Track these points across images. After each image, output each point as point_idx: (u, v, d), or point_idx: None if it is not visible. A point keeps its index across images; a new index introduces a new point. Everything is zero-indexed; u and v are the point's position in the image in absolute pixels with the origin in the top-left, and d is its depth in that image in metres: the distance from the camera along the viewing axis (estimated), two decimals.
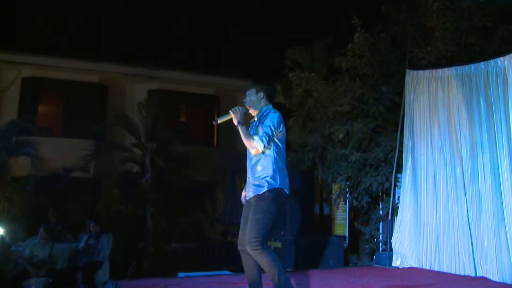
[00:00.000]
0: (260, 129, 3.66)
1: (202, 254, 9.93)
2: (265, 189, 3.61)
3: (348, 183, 8.52)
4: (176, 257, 9.67)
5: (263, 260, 3.52)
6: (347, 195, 8.71)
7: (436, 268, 6.24)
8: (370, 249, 8.37)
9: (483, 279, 5.65)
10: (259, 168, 3.68)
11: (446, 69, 6.58)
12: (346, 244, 8.97)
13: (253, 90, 3.91)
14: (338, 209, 9.39)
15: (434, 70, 6.76)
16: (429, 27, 7.66)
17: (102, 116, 12.58)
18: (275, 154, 3.70)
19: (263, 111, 3.84)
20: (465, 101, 6.21)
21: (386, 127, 8.16)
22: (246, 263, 3.74)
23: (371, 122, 8.10)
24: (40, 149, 10.79)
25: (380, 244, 7.93)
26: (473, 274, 5.77)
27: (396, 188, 7.29)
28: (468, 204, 6.00)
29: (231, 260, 9.27)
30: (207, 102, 14.46)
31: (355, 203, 8.47)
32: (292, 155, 10.22)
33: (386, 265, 6.66)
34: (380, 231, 8.07)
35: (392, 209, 7.19)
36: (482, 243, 5.79)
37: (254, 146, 3.63)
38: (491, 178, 5.78)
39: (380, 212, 8.21)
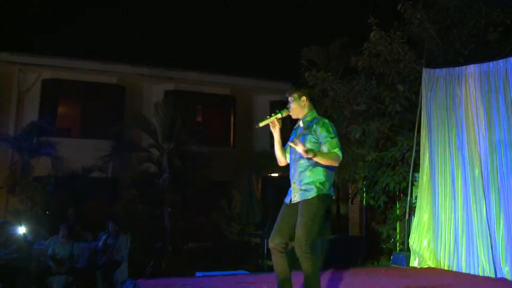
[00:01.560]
0: (327, 143, 3.69)
1: (219, 254, 9.99)
2: (314, 194, 3.67)
3: (365, 182, 8.48)
4: (194, 257, 9.73)
5: (309, 264, 3.57)
6: (364, 195, 8.68)
7: (454, 269, 6.19)
8: (387, 249, 8.33)
9: (504, 280, 5.59)
10: (308, 173, 3.73)
11: (463, 67, 6.51)
12: (363, 243, 8.96)
13: (295, 96, 3.95)
14: (355, 208, 9.36)
15: (451, 68, 6.68)
16: (446, 24, 7.59)
17: (119, 117, 12.71)
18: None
19: (311, 118, 3.90)
20: (483, 99, 6.13)
21: (403, 126, 8.11)
22: (278, 261, 3.79)
23: (387, 121, 8.05)
24: (60, 149, 10.99)
25: (398, 244, 7.89)
26: (492, 275, 5.70)
27: (413, 187, 7.24)
28: (487, 203, 5.94)
29: (248, 260, 9.33)
30: (223, 102, 14.52)
31: (372, 202, 8.44)
32: None
33: (403, 265, 6.62)
34: (397, 231, 8.03)
35: (409, 209, 7.15)
36: (502, 244, 5.73)
37: (338, 160, 3.68)
38: (510, 178, 5.72)
39: (397, 212, 8.17)
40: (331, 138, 3.70)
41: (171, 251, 9.90)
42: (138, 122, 11.44)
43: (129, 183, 11.14)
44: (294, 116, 3.99)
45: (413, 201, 7.21)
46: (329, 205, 3.81)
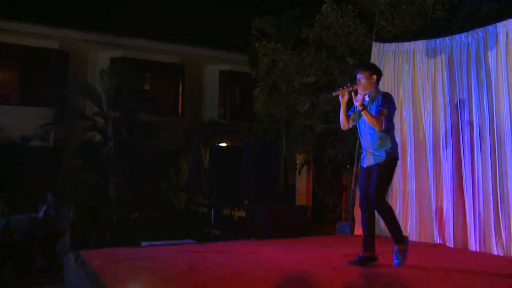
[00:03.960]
0: (380, 110, 4.26)
1: (166, 224, 9.89)
2: (385, 158, 4.32)
3: (312, 153, 8.59)
4: (140, 227, 9.59)
5: (385, 213, 4.38)
6: (311, 165, 8.80)
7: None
8: (333, 218, 8.54)
9: (442, 245, 5.87)
10: (379, 142, 4.34)
11: (412, 43, 6.65)
12: (309, 213, 9.13)
13: (366, 73, 4.44)
14: (302, 179, 9.50)
15: (400, 43, 6.81)
16: (396, 0, 7.67)
17: (62, 84, 12.12)
18: (391, 129, 4.42)
19: (378, 93, 4.41)
20: (430, 74, 6.31)
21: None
22: (367, 219, 4.51)
23: None
24: None
25: (343, 214, 8.09)
26: (433, 241, 5.97)
27: None
28: (430, 173, 6.17)
29: (195, 229, 9.31)
30: (172, 71, 14.19)
31: (319, 173, 8.58)
32: (257, 125, 10.22)
33: (348, 234, 6.80)
34: (343, 201, 8.23)
35: (355, 180, 7.31)
36: (441, 213, 5.99)
37: (380, 125, 4.24)
38: (452, 148, 5.95)
39: (343, 182, 8.36)
40: (384, 107, 4.27)
41: (116, 222, 9.69)
42: (82, 90, 10.96)
43: (72, 153, 10.73)
44: (361, 91, 4.43)
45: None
46: (395, 165, 4.47)
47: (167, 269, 4.13)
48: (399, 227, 4.45)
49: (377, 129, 4.27)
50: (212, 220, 8.76)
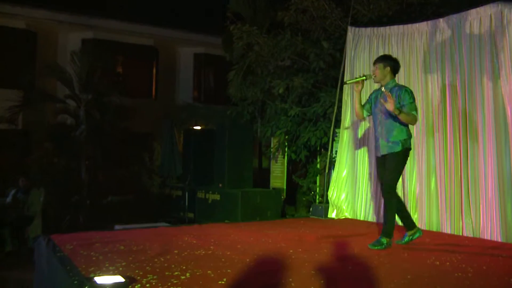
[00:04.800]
0: (408, 105, 4.42)
1: (139, 207, 9.82)
2: (399, 148, 4.51)
3: (287, 137, 8.61)
4: (113, 210, 9.50)
5: (391, 201, 4.52)
6: (286, 149, 8.83)
7: (369, 219, 6.53)
8: (307, 201, 8.61)
9: None
10: (395, 133, 4.53)
11: (387, 27, 6.67)
12: (283, 196, 9.19)
13: (381, 65, 4.62)
14: (276, 162, 9.54)
15: (375, 28, 6.83)
16: None
17: (31, 65, 11.81)
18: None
19: (393, 85, 4.60)
20: (404, 59, 6.36)
21: (326, 83, 8.25)
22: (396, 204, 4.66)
23: (311, 77, 8.14)
24: None
25: (317, 197, 8.16)
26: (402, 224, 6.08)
27: (334, 142, 7.46)
28: None
29: (169, 212, 9.28)
30: (145, 53, 13.97)
31: (293, 156, 8.62)
32: (231, 108, 10.17)
33: (322, 216, 6.88)
34: (317, 184, 8.29)
35: (329, 163, 7.38)
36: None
37: (415, 120, 4.51)
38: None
39: (318, 166, 8.41)
40: (411, 102, 4.44)
41: (89, 205, 9.57)
42: (52, 71, 10.69)
43: (43, 136, 10.49)
44: (375, 81, 4.75)
45: (333, 156, 7.44)
46: (408, 155, 4.65)
47: (140, 252, 4.09)
48: (393, 224, 4.57)
49: (412, 124, 4.56)
50: (186, 203, 8.73)
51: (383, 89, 4.59)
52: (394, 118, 4.49)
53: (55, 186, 9.42)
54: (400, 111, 4.32)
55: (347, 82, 4.95)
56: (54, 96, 11.01)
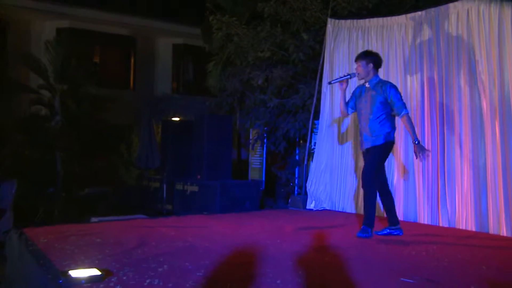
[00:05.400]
0: (397, 102, 4.57)
1: (117, 199, 9.70)
2: (382, 141, 4.59)
3: (266, 128, 8.59)
4: (90, 203, 9.35)
5: (369, 190, 4.59)
6: (265, 140, 8.82)
7: (348, 211, 6.57)
8: (285, 192, 8.63)
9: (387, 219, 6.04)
10: (378, 126, 4.60)
11: (367, 20, 6.70)
12: (262, 187, 9.19)
13: (363, 62, 4.67)
14: (255, 154, 9.52)
15: (355, 20, 6.84)
16: None
17: (2, 55, 11.49)
18: (390, 115, 4.66)
19: (377, 81, 4.68)
20: (384, 51, 6.38)
21: (305, 75, 8.24)
22: (384, 202, 4.78)
23: (290, 69, 8.13)
24: None
25: (296, 188, 8.18)
26: (381, 215, 6.13)
27: (313, 134, 7.47)
28: None
29: (147, 204, 9.18)
30: (123, 43, 13.74)
31: (272, 148, 8.61)
32: (210, 99, 10.10)
33: (300, 208, 6.89)
34: (296, 176, 8.31)
35: (308, 155, 7.39)
36: (392, 185, 6.15)
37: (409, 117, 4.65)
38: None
39: (297, 157, 8.43)
40: (399, 99, 4.58)
41: (65, 197, 9.39)
42: (25, 61, 10.40)
43: (16, 127, 10.24)
44: (359, 79, 4.80)
45: (312, 147, 7.45)
46: (391, 149, 4.75)
47: (117, 245, 4.03)
48: (374, 213, 4.64)
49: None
50: (164, 195, 8.66)
51: (367, 85, 4.69)
52: (378, 112, 4.60)
53: (29, 178, 9.21)
54: (416, 139, 4.52)
55: (332, 82, 4.99)
56: (27, 86, 10.74)
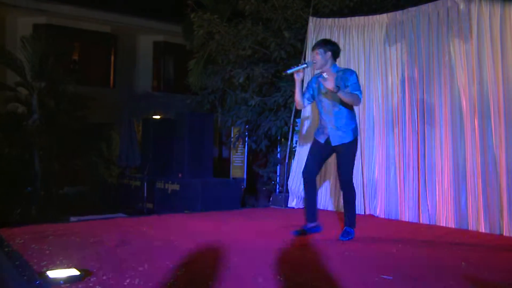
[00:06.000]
0: (353, 85, 4.28)
1: (97, 198, 9.58)
2: (351, 138, 4.40)
3: (247, 126, 8.57)
4: (69, 202, 9.22)
5: (351, 192, 4.48)
6: (246, 139, 8.80)
7: (329, 209, 6.60)
8: (267, 191, 8.62)
9: (370, 216, 6.10)
10: (345, 121, 4.39)
11: (348, 18, 6.72)
12: (244, 186, 9.17)
13: (321, 50, 4.41)
14: (236, 152, 9.50)
15: (336, 19, 6.86)
16: None
17: None
18: (354, 109, 4.49)
19: (336, 70, 4.43)
20: (365, 50, 6.43)
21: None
22: (311, 194, 4.57)
23: (272, 67, 8.12)
24: None
25: (277, 186, 8.18)
26: (361, 212, 6.17)
27: (294, 132, 7.48)
28: (363, 147, 6.32)
29: (127, 203, 9.08)
30: (103, 40, 13.57)
31: (253, 146, 8.60)
32: (191, 97, 10.03)
33: (282, 206, 6.90)
34: (277, 174, 8.31)
35: (289, 153, 7.39)
36: (372, 184, 6.20)
37: (359, 101, 4.30)
38: (385, 123, 6.14)
39: (278, 156, 8.43)
40: (355, 82, 4.31)
41: (43, 197, 9.24)
42: (1, 57, 10.21)
43: None
44: (316, 68, 4.51)
45: (294, 146, 7.46)
46: (357, 144, 4.56)
47: (97, 244, 3.97)
48: (355, 211, 4.54)
49: (355, 105, 4.37)
50: (145, 194, 8.58)
51: (324, 74, 4.41)
52: (342, 105, 4.35)
53: (5, 177, 9.04)
54: (339, 88, 4.15)
55: (288, 71, 4.50)
56: (3, 83, 10.54)
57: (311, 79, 4.67)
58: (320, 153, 4.56)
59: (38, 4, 12.23)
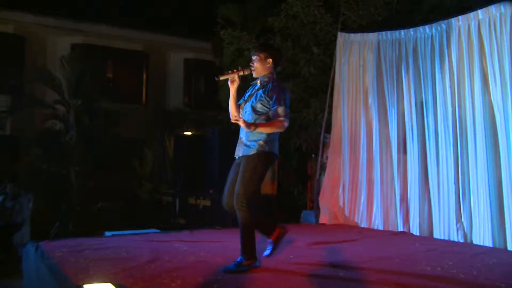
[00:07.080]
0: (276, 109, 3.69)
1: (130, 213, 9.73)
2: (255, 151, 3.75)
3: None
4: (104, 217, 9.41)
5: (245, 216, 3.72)
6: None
7: (363, 225, 6.53)
8: (298, 207, 8.60)
9: (404, 233, 6.00)
10: (253, 132, 3.74)
11: (376, 33, 6.72)
12: (274, 202, 9.16)
13: (262, 56, 3.90)
14: None
15: (365, 34, 6.87)
16: None
17: (19, 70, 11.70)
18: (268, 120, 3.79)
19: (269, 79, 3.87)
20: (394, 65, 6.40)
21: (316, 89, 8.26)
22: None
23: (301, 83, 8.16)
24: None
25: (308, 203, 8.16)
26: (395, 230, 6.10)
27: (324, 147, 7.47)
28: (395, 162, 6.27)
29: (160, 219, 9.20)
30: (135, 58, 13.91)
31: (284, 162, 8.61)
32: (223, 114, 10.12)
33: (313, 222, 6.87)
34: (308, 190, 8.29)
35: (320, 168, 7.38)
36: (407, 201, 6.11)
37: (283, 127, 3.71)
38: (417, 138, 6.07)
39: (308, 171, 8.42)
40: (280, 105, 3.69)
41: (79, 212, 9.47)
42: (41, 77, 10.60)
43: (32, 141, 10.39)
44: (255, 75, 3.94)
45: (324, 161, 7.45)
46: (271, 162, 3.88)
47: (130, 259, 4.05)
48: (254, 242, 3.78)
49: (279, 131, 3.77)
50: (177, 209, 8.68)
51: (258, 82, 3.91)
52: (253, 113, 3.81)
53: (44, 192, 9.32)
54: (256, 127, 3.63)
55: (220, 77, 3.93)
56: (42, 101, 10.92)
57: (249, 87, 4.07)
58: (232, 176, 3.97)
59: (76, 25, 12.66)
